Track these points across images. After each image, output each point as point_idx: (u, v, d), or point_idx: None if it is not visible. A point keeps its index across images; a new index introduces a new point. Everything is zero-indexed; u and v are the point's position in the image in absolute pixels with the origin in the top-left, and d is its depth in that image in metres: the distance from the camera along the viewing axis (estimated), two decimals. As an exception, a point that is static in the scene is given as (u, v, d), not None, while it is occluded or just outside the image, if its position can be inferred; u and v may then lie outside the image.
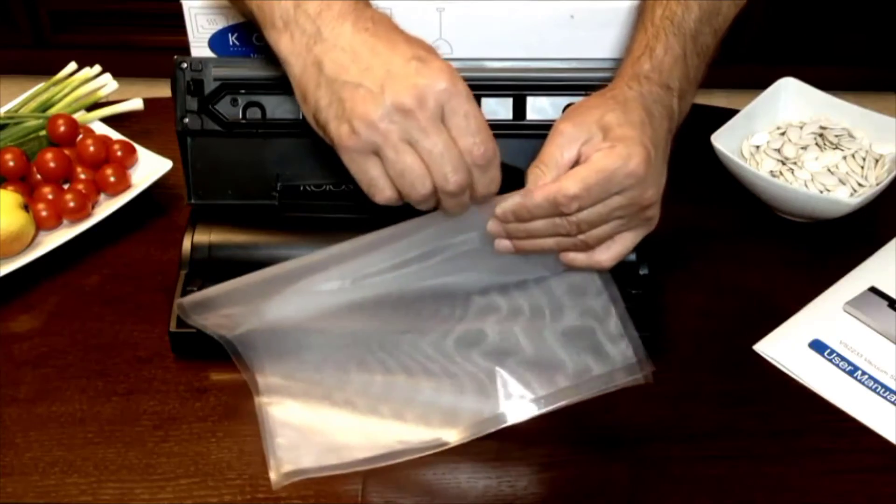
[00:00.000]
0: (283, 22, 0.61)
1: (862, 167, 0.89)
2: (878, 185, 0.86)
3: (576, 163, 0.64)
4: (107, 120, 0.99)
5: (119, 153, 0.93)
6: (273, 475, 0.65)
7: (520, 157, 0.81)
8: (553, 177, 0.64)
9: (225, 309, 0.70)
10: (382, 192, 0.60)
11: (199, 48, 0.83)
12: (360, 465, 0.66)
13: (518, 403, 0.67)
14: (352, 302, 0.69)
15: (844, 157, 0.89)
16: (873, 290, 0.82)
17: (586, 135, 0.64)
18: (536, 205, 0.63)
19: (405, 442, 0.66)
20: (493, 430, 0.66)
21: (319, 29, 0.60)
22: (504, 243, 0.67)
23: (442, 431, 0.67)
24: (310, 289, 0.69)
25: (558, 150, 0.64)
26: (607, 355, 0.67)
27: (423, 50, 0.59)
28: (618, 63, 0.79)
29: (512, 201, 0.64)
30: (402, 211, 0.80)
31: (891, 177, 0.87)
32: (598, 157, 0.63)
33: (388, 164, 0.58)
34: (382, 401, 0.68)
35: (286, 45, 0.61)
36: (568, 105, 0.80)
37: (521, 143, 0.81)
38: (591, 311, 0.69)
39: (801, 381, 0.75)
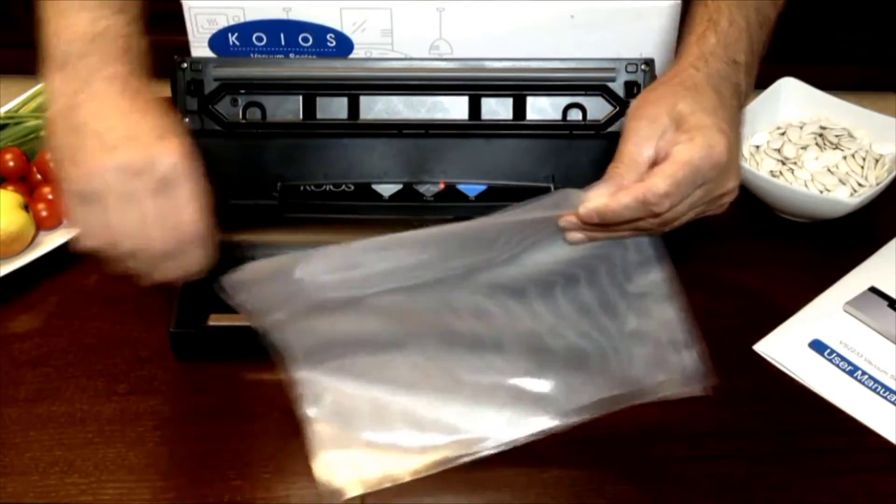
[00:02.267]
0: (63, 62, 0.62)
1: (862, 167, 0.88)
2: (878, 185, 0.86)
3: (653, 159, 0.63)
4: (107, 120, 0.99)
5: (119, 153, 0.92)
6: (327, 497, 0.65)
7: (520, 157, 0.82)
8: (634, 177, 0.62)
9: (266, 288, 0.66)
10: (89, 240, 0.62)
11: (199, 48, 0.83)
12: (408, 477, 0.65)
13: (565, 409, 0.67)
14: (405, 305, 0.67)
15: (844, 157, 0.89)
16: (873, 290, 0.82)
17: (661, 129, 0.63)
18: (625, 206, 0.61)
19: (457, 443, 0.66)
20: (538, 435, 0.66)
21: (89, 81, 0.62)
22: (577, 235, 0.65)
23: (490, 433, 0.67)
24: (362, 289, 0.66)
25: (635, 149, 0.63)
26: (669, 362, 0.66)
27: (169, 129, 0.62)
28: (618, 62, 0.79)
29: (597, 202, 0.62)
30: (401, 210, 0.80)
31: (891, 177, 0.87)
32: (680, 151, 0.61)
33: (104, 214, 0.60)
34: (429, 404, 0.67)
35: (58, 82, 0.63)
36: (570, 105, 0.80)
37: (521, 142, 0.81)
38: (654, 315, 0.68)
39: (801, 381, 0.75)
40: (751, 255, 0.87)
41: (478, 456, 0.66)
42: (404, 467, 0.66)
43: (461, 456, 0.66)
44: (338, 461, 0.65)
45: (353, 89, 0.80)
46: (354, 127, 0.80)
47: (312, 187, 0.81)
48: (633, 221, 0.63)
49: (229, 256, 0.78)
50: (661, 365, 0.67)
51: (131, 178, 0.59)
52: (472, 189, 0.82)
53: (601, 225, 0.64)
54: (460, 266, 0.65)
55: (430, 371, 0.68)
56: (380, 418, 0.67)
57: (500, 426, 0.67)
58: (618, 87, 0.80)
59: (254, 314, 0.66)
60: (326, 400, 0.67)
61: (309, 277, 0.64)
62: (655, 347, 0.67)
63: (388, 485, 0.65)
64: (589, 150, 0.81)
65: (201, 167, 0.63)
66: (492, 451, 0.67)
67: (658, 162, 0.63)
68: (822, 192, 0.87)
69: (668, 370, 0.67)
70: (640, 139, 0.63)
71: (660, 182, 0.61)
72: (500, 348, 0.68)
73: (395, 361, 0.68)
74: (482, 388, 0.68)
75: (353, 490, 0.64)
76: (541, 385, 0.68)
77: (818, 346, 0.78)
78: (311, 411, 0.66)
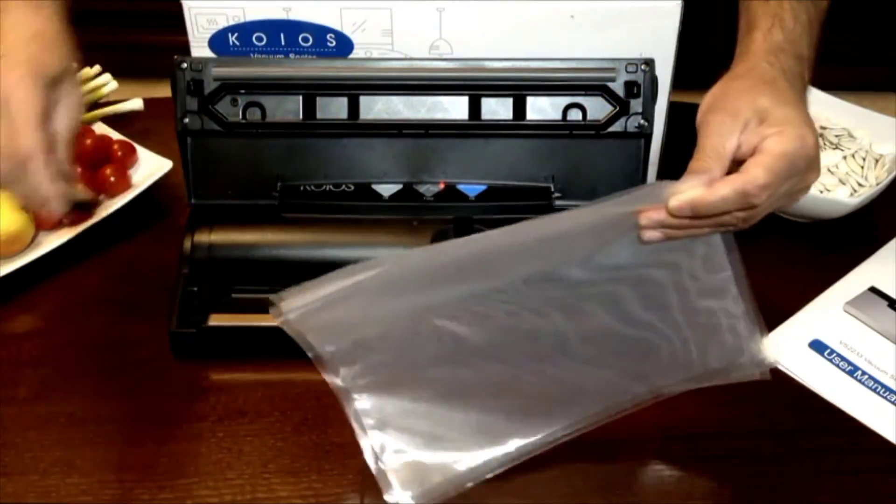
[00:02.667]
0: None
1: (862, 167, 0.89)
2: (878, 185, 0.86)
3: (735, 154, 0.63)
4: (107, 120, 0.99)
5: (119, 153, 0.92)
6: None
7: (520, 157, 0.82)
8: (720, 169, 0.62)
9: (325, 314, 0.63)
10: None
11: (199, 48, 0.83)
12: (473, 478, 0.64)
13: (632, 393, 0.66)
14: (475, 313, 0.64)
15: (844, 157, 0.89)
16: (873, 290, 0.82)
17: (742, 123, 0.63)
18: (722, 197, 0.61)
19: (521, 438, 0.65)
20: (605, 421, 0.66)
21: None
22: (653, 233, 0.64)
23: (558, 423, 0.66)
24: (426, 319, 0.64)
25: (719, 142, 0.63)
26: (737, 349, 0.67)
27: (24, 51, 0.66)
28: (618, 62, 0.79)
29: (691, 194, 0.61)
30: (401, 211, 0.80)
31: (891, 177, 0.87)
32: (773, 144, 0.61)
33: None
34: (494, 396, 0.66)
35: None
36: (570, 105, 0.80)
37: (521, 142, 0.81)
38: (722, 304, 0.68)
39: (801, 381, 0.75)
40: (751, 254, 0.86)
41: (547, 447, 0.65)
42: (469, 473, 0.64)
43: (531, 451, 0.65)
44: (403, 473, 0.63)
45: (353, 89, 0.80)
46: (354, 127, 0.80)
47: (312, 187, 0.81)
48: (719, 215, 0.63)
49: (229, 256, 0.78)
50: (730, 352, 0.67)
51: None
52: (472, 189, 0.82)
53: (689, 219, 0.63)
54: (534, 270, 0.64)
55: (494, 374, 0.66)
56: (441, 426, 0.65)
57: (567, 417, 0.66)
58: (618, 87, 0.80)
59: (308, 338, 0.62)
60: (388, 419, 0.64)
61: (372, 293, 0.62)
62: (725, 335, 0.67)
63: (452, 494, 0.64)
64: (589, 150, 0.81)
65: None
66: (563, 439, 0.66)
67: (740, 156, 0.63)
68: (822, 192, 0.87)
69: (737, 356, 0.67)
70: (723, 133, 0.63)
71: (760, 173, 0.61)
72: (565, 346, 0.67)
73: (457, 370, 0.66)
74: (549, 384, 0.67)
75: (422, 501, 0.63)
76: (607, 376, 0.67)
77: (818, 346, 0.78)
78: (373, 434, 0.63)
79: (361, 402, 0.62)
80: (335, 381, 0.61)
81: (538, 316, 0.65)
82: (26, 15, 0.68)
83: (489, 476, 0.64)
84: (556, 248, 0.64)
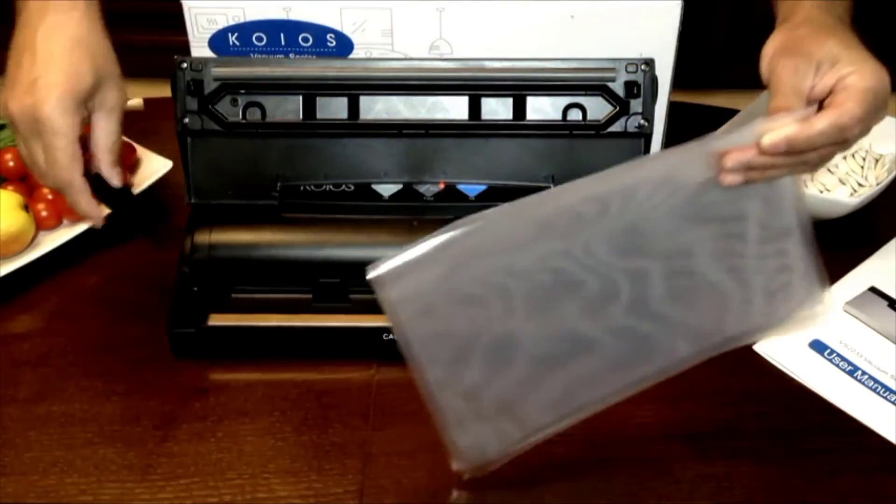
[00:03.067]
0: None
1: (862, 167, 0.89)
2: (878, 185, 0.86)
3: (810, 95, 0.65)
4: (107, 120, 0.99)
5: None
6: (464, 471, 0.64)
7: (520, 157, 0.82)
8: (801, 107, 0.63)
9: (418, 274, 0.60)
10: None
11: (199, 48, 0.83)
12: (544, 432, 0.64)
13: (702, 343, 0.66)
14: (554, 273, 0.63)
15: (844, 157, 0.89)
16: (873, 290, 0.82)
17: (815, 65, 0.65)
18: (820, 131, 0.62)
19: (592, 392, 0.64)
20: (675, 372, 0.66)
21: (29, 6, 0.71)
22: (734, 177, 0.63)
23: (630, 375, 0.65)
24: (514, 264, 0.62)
25: (796, 82, 0.64)
26: (793, 293, 0.67)
27: (61, 80, 0.68)
28: (618, 62, 0.79)
29: (787, 130, 0.61)
30: (401, 211, 0.80)
31: (891, 177, 0.87)
32: (856, 80, 0.63)
33: (18, 139, 0.71)
34: (566, 353, 0.64)
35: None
36: (570, 105, 0.80)
37: (521, 142, 0.81)
38: (784, 243, 0.67)
39: (801, 381, 0.75)
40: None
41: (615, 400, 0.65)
42: (543, 427, 0.64)
43: (598, 406, 0.65)
44: (475, 435, 0.63)
45: (353, 89, 0.80)
46: (354, 127, 0.80)
47: (312, 187, 0.81)
48: (806, 153, 0.63)
49: (229, 256, 0.78)
50: (792, 298, 0.68)
51: (24, 121, 0.68)
52: (472, 189, 0.82)
53: (781, 155, 0.63)
54: (614, 226, 0.63)
55: (569, 332, 0.64)
56: (511, 389, 0.64)
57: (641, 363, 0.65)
58: (618, 87, 0.80)
59: (399, 310, 0.60)
60: (462, 385, 0.62)
61: (466, 258, 0.59)
62: (789, 281, 0.68)
63: (526, 449, 0.64)
64: (589, 150, 0.81)
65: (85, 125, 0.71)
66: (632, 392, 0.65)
67: (814, 97, 0.65)
68: (821, 192, 0.87)
69: (797, 302, 0.68)
70: (799, 74, 0.65)
71: (853, 106, 0.62)
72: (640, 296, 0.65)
73: (533, 331, 0.63)
74: (623, 339, 0.65)
75: (498, 460, 0.64)
76: (681, 329, 0.66)
77: (818, 346, 0.78)
78: (445, 397, 0.61)
79: (434, 372, 0.61)
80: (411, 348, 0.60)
81: (616, 272, 0.64)
82: (61, 18, 0.70)
83: (552, 432, 0.64)
84: (634, 201, 0.63)
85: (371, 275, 0.57)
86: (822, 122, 0.62)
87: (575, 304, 0.62)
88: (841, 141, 0.64)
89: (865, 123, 0.64)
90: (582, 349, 0.64)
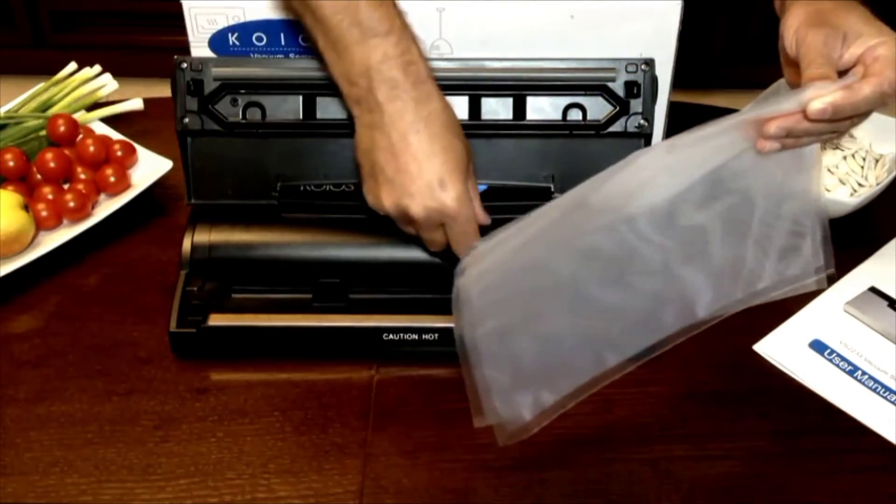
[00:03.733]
0: (358, 77, 0.69)
1: (862, 167, 0.89)
2: (878, 185, 0.86)
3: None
4: (107, 120, 0.99)
5: (119, 153, 0.93)
6: (500, 438, 0.64)
7: (520, 157, 0.82)
8: (834, 75, 0.65)
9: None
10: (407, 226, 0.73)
11: (199, 48, 0.83)
12: (575, 398, 0.65)
13: (712, 309, 0.67)
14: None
15: (844, 157, 0.89)
16: (873, 290, 0.82)
17: (841, 37, 0.67)
18: (865, 97, 0.64)
19: (616, 354, 0.65)
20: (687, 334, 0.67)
21: (383, 108, 0.68)
22: (771, 144, 0.66)
23: (653, 336, 0.67)
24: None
25: (827, 52, 0.66)
26: (799, 257, 0.69)
27: (449, 170, 0.68)
28: (618, 62, 0.79)
29: (833, 96, 0.63)
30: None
31: (891, 177, 0.87)
32: (886, 51, 0.66)
33: (413, 226, 0.72)
34: (588, 317, 0.66)
35: (352, 93, 0.70)
36: (570, 105, 0.80)
37: (521, 142, 0.81)
38: (798, 206, 0.69)
39: (801, 381, 0.75)
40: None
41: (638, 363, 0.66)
42: (575, 393, 0.65)
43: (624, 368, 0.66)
44: (515, 405, 0.64)
45: (353, 89, 0.79)
46: (354, 127, 0.80)
47: (312, 187, 0.81)
48: (843, 120, 0.66)
49: (229, 256, 0.78)
50: (797, 262, 0.69)
51: (430, 220, 0.70)
52: (472, 189, 0.82)
53: (823, 122, 0.65)
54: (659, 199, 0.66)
55: (607, 300, 0.67)
56: (553, 353, 0.66)
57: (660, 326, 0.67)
58: (618, 87, 0.80)
59: (469, 285, 0.63)
60: (501, 351, 0.64)
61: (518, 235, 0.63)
62: (797, 245, 0.69)
63: (559, 412, 0.65)
64: (589, 150, 0.81)
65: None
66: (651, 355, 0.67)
67: (842, 66, 0.67)
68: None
69: (802, 267, 0.69)
70: (829, 44, 0.67)
71: (892, 75, 0.65)
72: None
73: (573, 300, 0.67)
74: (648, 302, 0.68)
75: (534, 425, 0.64)
76: (695, 284, 0.68)
77: (818, 346, 0.78)
78: (488, 365, 0.64)
79: (488, 344, 0.63)
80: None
81: (650, 244, 0.66)
82: (409, 98, 0.68)
83: (580, 398, 0.65)
84: (678, 174, 0.65)
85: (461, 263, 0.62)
86: (867, 89, 0.64)
87: (611, 272, 0.65)
88: (876, 108, 0.66)
89: None
90: (612, 312, 0.66)
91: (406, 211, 0.70)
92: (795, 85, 0.74)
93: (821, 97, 0.64)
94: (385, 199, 0.70)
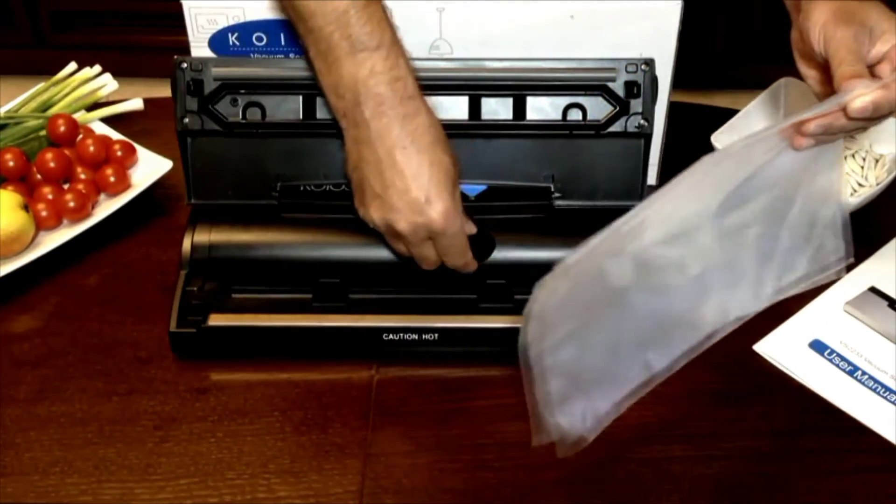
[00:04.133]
0: (345, 91, 0.69)
1: (862, 167, 0.89)
2: (878, 185, 0.86)
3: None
4: (107, 120, 0.99)
5: (119, 153, 0.93)
6: (560, 451, 0.64)
7: (520, 157, 0.82)
8: (865, 72, 0.66)
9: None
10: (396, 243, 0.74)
11: (199, 48, 0.83)
12: (626, 401, 0.65)
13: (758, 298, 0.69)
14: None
15: (844, 157, 0.89)
16: (873, 290, 0.82)
17: (867, 35, 0.68)
18: None
19: (662, 358, 0.66)
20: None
21: (369, 124, 0.69)
22: (807, 141, 0.67)
23: (697, 334, 0.67)
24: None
25: (857, 49, 0.67)
26: (821, 248, 0.70)
27: (435, 185, 0.69)
28: (618, 62, 0.79)
29: (874, 95, 0.65)
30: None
31: (891, 177, 0.87)
32: None
33: (400, 241, 0.73)
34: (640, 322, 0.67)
35: (339, 105, 0.70)
36: (570, 105, 0.80)
37: (521, 142, 0.81)
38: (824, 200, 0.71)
39: (801, 381, 0.75)
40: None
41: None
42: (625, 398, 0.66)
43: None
44: (572, 414, 0.64)
45: (353, 89, 0.79)
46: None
47: (312, 187, 0.81)
48: (878, 118, 0.67)
49: (229, 256, 0.78)
50: (823, 253, 0.71)
51: (416, 235, 0.70)
52: (472, 189, 0.82)
53: (863, 120, 0.66)
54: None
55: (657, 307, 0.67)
56: (609, 359, 0.66)
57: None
58: (618, 87, 0.80)
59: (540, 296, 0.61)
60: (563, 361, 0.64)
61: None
62: (823, 236, 0.71)
63: (612, 419, 0.65)
64: (589, 150, 0.81)
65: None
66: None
67: (870, 62, 0.68)
68: (822, 192, 0.87)
69: (827, 257, 0.71)
70: (858, 42, 0.68)
71: None
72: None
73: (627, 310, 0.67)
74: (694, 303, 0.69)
75: (591, 435, 0.64)
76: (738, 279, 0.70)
77: (818, 346, 0.78)
78: (553, 378, 0.63)
79: (558, 355, 0.62)
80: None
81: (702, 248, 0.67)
82: (396, 114, 0.68)
83: (630, 403, 0.66)
84: (721, 183, 0.67)
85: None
86: None
87: (657, 277, 0.66)
88: None
89: None
90: (657, 316, 0.67)
91: (393, 226, 0.70)
92: (811, 78, 0.75)
93: (861, 96, 0.65)
94: (373, 214, 0.71)
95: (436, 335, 0.74)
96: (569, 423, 0.64)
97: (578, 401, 0.64)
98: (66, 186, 0.90)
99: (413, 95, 0.69)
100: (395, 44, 0.69)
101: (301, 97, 0.79)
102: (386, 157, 0.69)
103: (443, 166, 0.70)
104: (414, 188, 0.69)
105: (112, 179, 0.89)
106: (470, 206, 0.81)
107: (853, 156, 0.89)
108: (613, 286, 0.64)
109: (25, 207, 0.85)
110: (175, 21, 0.82)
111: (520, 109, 0.80)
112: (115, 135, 0.96)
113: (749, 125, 0.93)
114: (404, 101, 0.68)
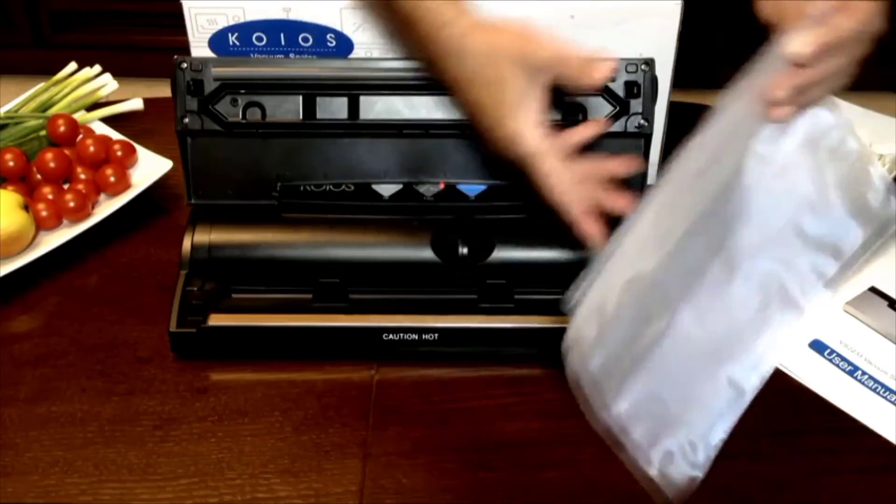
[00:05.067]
0: None
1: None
2: (878, 185, 0.86)
3: None
4: (107, 120, 0.99)
5: (119, 153, 0.93)
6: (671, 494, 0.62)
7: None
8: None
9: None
10: None
11: (199, 48, 0.83)
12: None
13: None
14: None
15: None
16: (873, 290, 0.82)
17: None
18: (846, 21, 0.62)
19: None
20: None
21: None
22: (783, 110, 0.64)
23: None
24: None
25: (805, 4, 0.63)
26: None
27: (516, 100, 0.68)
28: (618, 62, 0.79)
29: (812, 34, 0.61)
30: (401, 211, 0.80)
31: (891, 177, 0.86)
32: None
33: None
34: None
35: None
36: (570, 105, 0.80)
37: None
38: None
39: (801, 381, 0.75)
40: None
41: None
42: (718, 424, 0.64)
43: None
44: (668, 454, 0.62)
45: (353, 89, 0.80)
46: (354, 127, 0.80)
47: (312, 187, 0.81)
48: (837, 55, 0.64)
49: (229, 256, 0.78)
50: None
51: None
52: (472, 189, 0.82)
53: (818, 64, 0.63)
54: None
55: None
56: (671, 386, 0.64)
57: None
58: (618, 87, 0.80)
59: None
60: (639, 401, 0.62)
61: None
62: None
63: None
64: (589, 150, 0.81)
65: None
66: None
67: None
68: (822, 192, 0.87)
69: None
70: None
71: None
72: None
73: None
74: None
75: (698, 472, 0.62)
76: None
77: (818, 346, 0.78)
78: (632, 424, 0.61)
79: (632, 394, 0.61)
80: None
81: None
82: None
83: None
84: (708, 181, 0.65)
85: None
86: (843, 16, 0.62)
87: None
88: (865, 37, 0.64)
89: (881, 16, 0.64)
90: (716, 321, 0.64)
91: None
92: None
93: (805, 38, 0.61)
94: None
95: (436, 335, 0.74)
96: (671, 466, 0.62)
97: (668, 437, 0.62)
98: (66, 186, 0.90)
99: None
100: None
101: (301, 97, 0.79)
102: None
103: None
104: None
105: (112, 179, 0.89)
106: (470, 206, 0.81)
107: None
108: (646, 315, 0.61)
109: (25, 207, 0.85)
110: (175, 21, 0.82)
111: (520, 109, 0.80)
112: (115, 135, 0.96)
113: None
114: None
